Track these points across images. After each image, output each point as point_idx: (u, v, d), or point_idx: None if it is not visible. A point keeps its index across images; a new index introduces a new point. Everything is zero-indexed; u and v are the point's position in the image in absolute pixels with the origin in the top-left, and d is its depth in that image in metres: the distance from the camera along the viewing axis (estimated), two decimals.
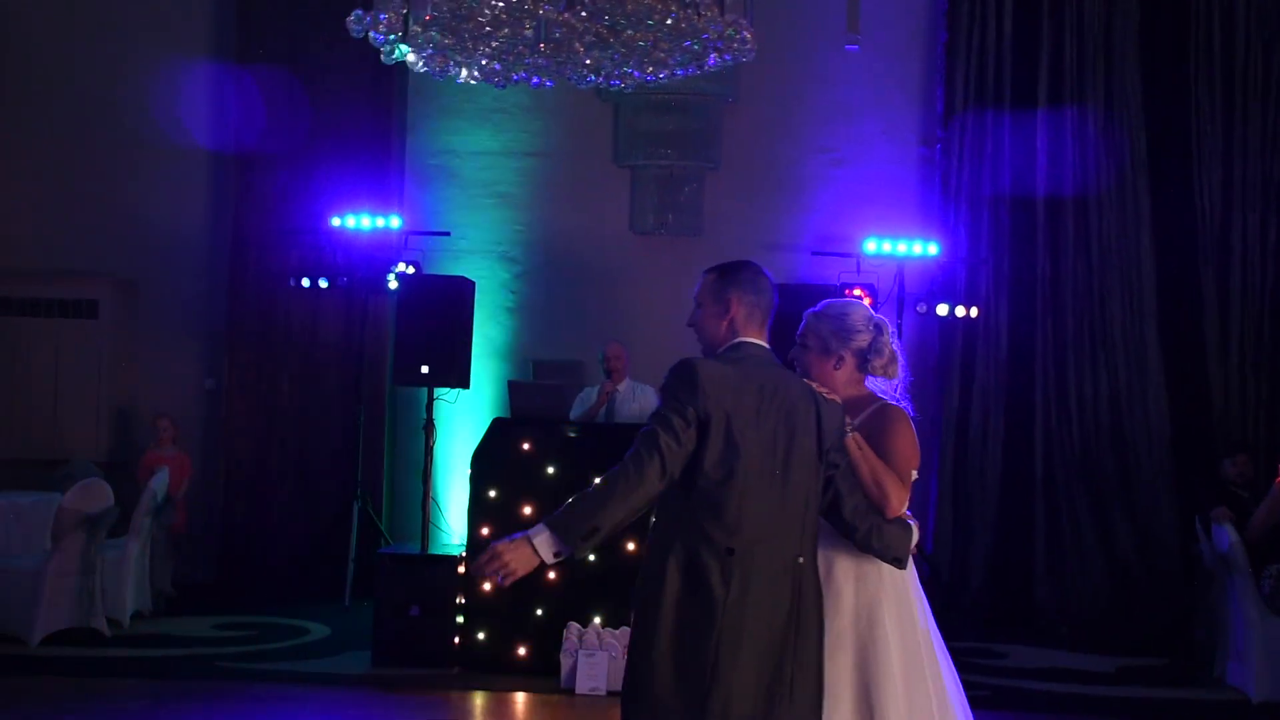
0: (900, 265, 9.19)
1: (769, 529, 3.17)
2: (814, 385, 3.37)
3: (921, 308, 9.07)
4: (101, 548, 7.76)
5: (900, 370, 3.60)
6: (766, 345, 3.36)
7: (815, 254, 9.37)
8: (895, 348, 3.60)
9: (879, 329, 3.57)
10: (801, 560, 3.21)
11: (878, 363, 3.56)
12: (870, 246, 9.10)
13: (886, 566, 3.43)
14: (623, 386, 8.29)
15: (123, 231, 9.93)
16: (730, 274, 3.40)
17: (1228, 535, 7.26)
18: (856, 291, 8.82)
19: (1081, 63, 9.43)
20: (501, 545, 3.08)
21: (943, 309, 9.08)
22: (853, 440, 3.38)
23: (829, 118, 9.81)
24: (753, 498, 3.15)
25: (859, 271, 9.18)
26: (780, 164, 9.81)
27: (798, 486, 3.22)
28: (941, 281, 9.26)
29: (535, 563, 3.07)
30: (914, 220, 9.49)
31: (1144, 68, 9.44)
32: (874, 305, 8.76)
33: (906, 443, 3.50)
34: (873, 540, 3.35)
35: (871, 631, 3.39)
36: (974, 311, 9.19)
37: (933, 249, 9.14)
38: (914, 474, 3.52)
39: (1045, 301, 9.42)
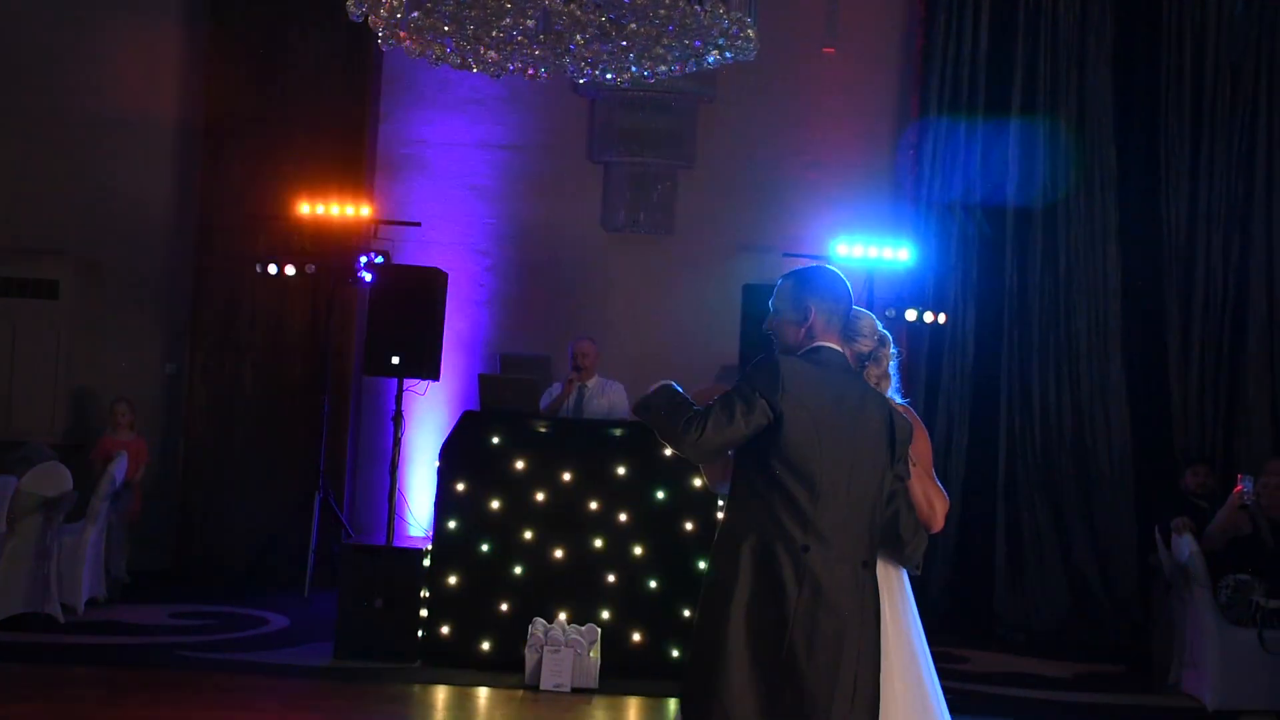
0: (870, 269, 9.25)
1: (841, 530, 3.21)
2: (888, 398, 3.47)
3: (890, 312, 9.14)
4: (58, 532, 7.66)
5: (891, 386, 3.69)
6: (842, 350, 3.42)
7: (786, 255, 9.40)
8: (891, 366, 3.70)
9: (882, 342, 3.67)
10: (867, 564, 3.26)
11: (874, 371, 3.63)
12: (841, 250, 9.15)
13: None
14: (591, 383, 8.29)
15: (86, 211, 9.80)
16: (808, 280, 3.44)
17: (1187, 545, 7.39)
18: None
19: (1054, 76, 9.57)
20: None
21: (911, 314, 9.15)
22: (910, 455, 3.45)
23: (804, 121, 9.87)
24: (827, 498, 3.20)
25: None
26: (754, 165, 9.86)
27: (866, 492, 3.27)
28: (911, 287, 9.33)
29: None
30: (885, 225, 9.57)
31: (1116, 84, 9.59)
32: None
33: (926, 446, 3.58)
34: (917, 555, 3.48)
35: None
36: (942, 318, 9.28)
37: (903, 254, 9.21)
38: None
39: (1012, 310, 9.54)
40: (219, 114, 9.63)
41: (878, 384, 3.64)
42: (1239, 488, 7.36)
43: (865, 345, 3.64)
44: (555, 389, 8.36)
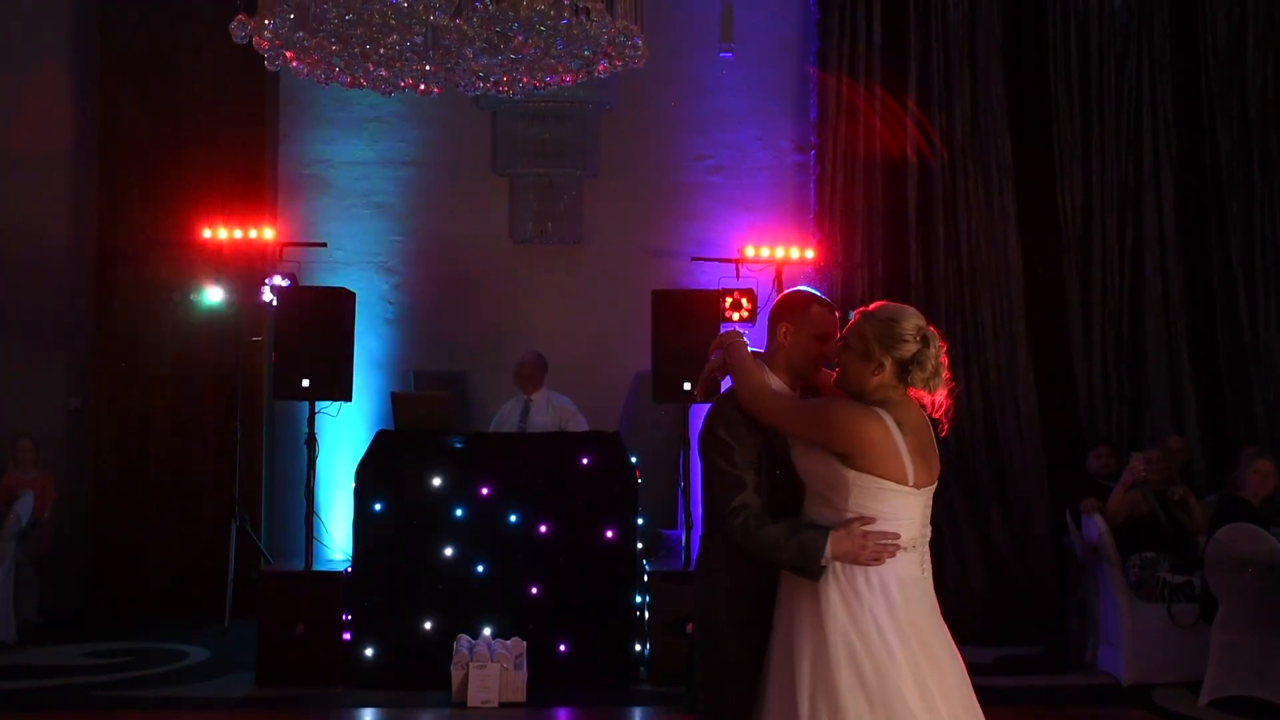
0: (778, 269, 9.34)
1: None
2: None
3: None
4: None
5: (942, 389, 3.37)
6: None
7: (695, 260, 9.48)
8: (941, 363, 3.37)
9: (926, 342, 3.33)
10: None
11: (919, 375, 3.32)
12: (749, 251, 9.24)
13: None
14: (537, 396, 8.30)
15: None
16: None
17: (1096, 526, 7.56)
18: (731, 299, 8.98)
19: (948, 72, 9.74)
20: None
21: None
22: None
23: (706, 126, 9.93)
24: None
25: (738, 276, 9.31)
26: (658, 172, 9.90)
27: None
28: (820, 285, 9.42)
29: None
30: (791, 225, 9.67)
31: (1006, 77, 9.78)
32: (756, 308, 8.90)
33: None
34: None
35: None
36: (850, 314, 9.36)
37: (809, 253, 9.31)
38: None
39: (919, 303, 9.63)
40: (113, 142, 9.50)
41: (925, 385, 3.33)
42: (1133, 465, 7.56)
43: (908, 350, 3.31)
44: (504, 408, 8.40)
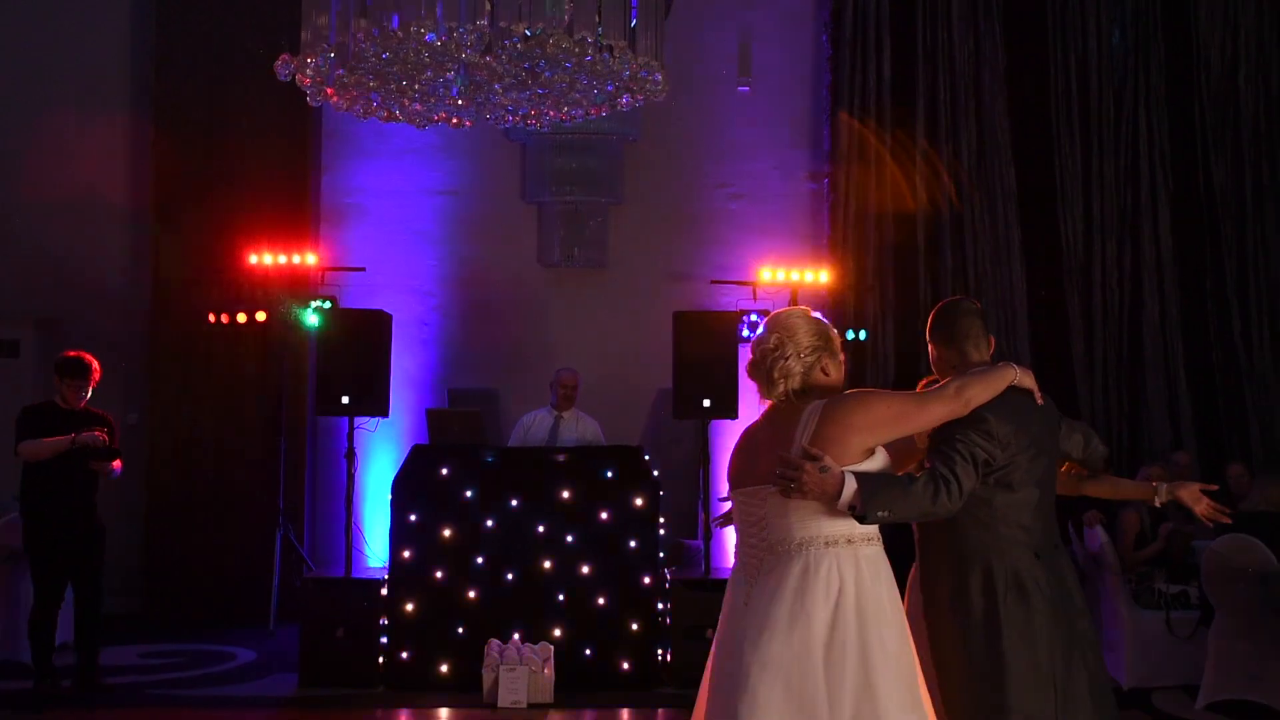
0: (794, 292, 9.31)
1: None
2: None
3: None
4: (28, 580, 7.46)
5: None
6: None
7: (714, 282, 9.46)
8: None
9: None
10: None
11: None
12: (766, 275, 9.22)
13: None
14: (568, 414, 8.27)
15: (47, 278, 9.63)
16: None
17: (1098, 537, 7.48)
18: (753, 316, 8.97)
19: (954, 105, 9.72)
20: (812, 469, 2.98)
21: None
22: None
23: (724, 155, 9.94)
24: None
25: (755, 298, 9.29)
26: (679, 199, 9.90)
27: None
28: (832, 306, 9.40)
29: (832, 497, 3.02)
30: (806, 250, 9.64)
31: (1010, 109, 9.76)
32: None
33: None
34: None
35: None
36: (863, 334, 9.36)
37: (823, 276, 9.28)
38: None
39: (926, 325, 9.61)
40: (167, 175, 9.53)
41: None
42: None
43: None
44: (526, 419, 8.34)
